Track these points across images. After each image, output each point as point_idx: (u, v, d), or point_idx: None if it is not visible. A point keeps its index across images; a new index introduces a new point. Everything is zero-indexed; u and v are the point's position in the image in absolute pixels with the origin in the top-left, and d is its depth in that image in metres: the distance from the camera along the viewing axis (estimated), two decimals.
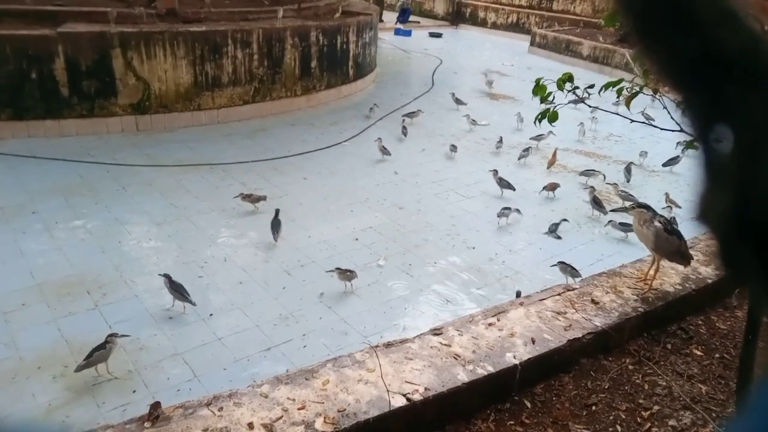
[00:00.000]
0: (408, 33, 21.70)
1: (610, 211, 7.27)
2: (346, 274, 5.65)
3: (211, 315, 5.28)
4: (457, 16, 24.95)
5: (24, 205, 7.01)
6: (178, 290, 5.23)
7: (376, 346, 2.99)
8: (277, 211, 6.68)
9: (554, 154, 9.39)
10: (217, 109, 10.50)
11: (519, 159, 9.56)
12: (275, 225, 6.52)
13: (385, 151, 9.21)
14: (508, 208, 7.38)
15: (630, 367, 3.22)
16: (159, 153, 8.92)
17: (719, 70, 0.51)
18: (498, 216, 7.35)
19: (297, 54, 11.39)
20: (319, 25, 11.79)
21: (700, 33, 0.51)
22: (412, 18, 23.73)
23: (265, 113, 11.08)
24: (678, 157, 9.24)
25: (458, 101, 12.42)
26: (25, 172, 7.91)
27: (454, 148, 9.56)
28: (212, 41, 10.12)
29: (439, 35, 22.14)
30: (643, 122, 3.15)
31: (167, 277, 5.27)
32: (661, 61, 0.55)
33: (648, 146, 10.56)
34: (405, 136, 10.29)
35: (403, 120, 10.80)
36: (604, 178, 8.68)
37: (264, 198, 7.26)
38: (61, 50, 8.89)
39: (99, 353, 4.34)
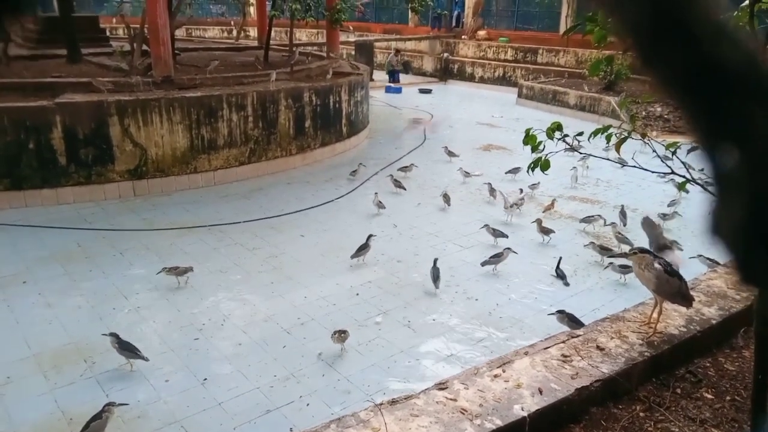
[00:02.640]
0: (398, 90, 22.26)
1: (609, 256, 7.28)
2: (341, 336, 5.48)
3: (205, 380, 5.17)
4: (445, 72, 25.64)
5: (20, 275, 6.97)
6: (127, 348, 5.17)
7: (381, 404, 2.92)
8: (369, 237, 7.52)
9: (553, 203, 9.49)
10: (213, 171, 10.62)
11: (512, 206, 9.44)
12: (362, 248, 7.40)
13: (380, 205, 9.28)
14: (498, 255, 7.36)
15: (641, 414, 3.15)
16: (156, 217, 8.96)
17: (720, 85, 0.52)
18: (483, 264, 7.34)
19: (291, 114, 11.63)
20: (311, 86, 12.10)
21: (698, 48, 0.53)
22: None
23: (261, 173, 11.21)
24: (675, 200, 9.34)
25: (450, 153, 12.60)
26: (22, 241, 7.91)
27: (447, 199, 9.62)
28: (207, 106, 10.34)
29: (428, 91, 22.69)
30: (635, 167, 3.20)
31: (114, 336, 5.20)
32: (664, 78, 0.56)
33: (636, 190, 10.75)
34: (405, 189, 10.33)
35: (391, 176, 10.77)
36: (605, 222, 8.73)
37: (191, 269, 6.83)
38: (59, 120, 9.06)
39: (96, 423, 4.23)
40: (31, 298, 6.46)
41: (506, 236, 8.15)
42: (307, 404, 4.88)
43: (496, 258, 7.33)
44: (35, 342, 5.63)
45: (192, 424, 4.62)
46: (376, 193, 9.48)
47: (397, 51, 24.89)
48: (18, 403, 4.79)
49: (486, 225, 8.29)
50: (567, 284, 7.14)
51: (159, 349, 5.58)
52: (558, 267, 7.27)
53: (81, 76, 10.84)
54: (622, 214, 9.01)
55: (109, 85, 9.93)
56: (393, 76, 23.93)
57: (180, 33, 17.45)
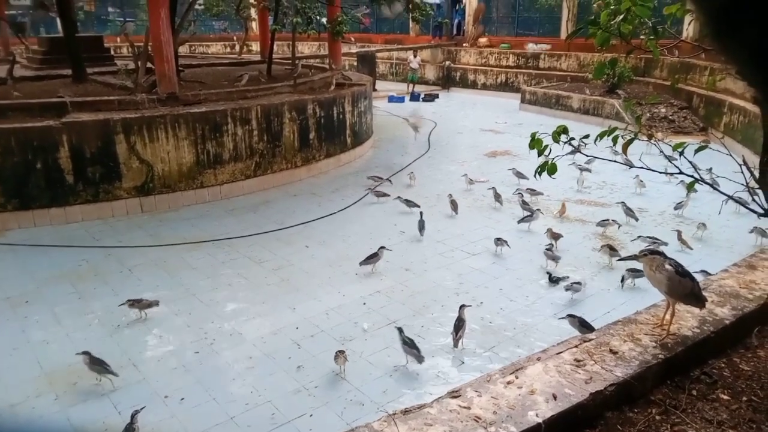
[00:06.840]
0: (401, 99, 22.33)
1: (619, 259, 7.23)
2: (343, 357, 5.36)
3: (216, 394, 5.15)
4: (447, 80, 25.69)
5: (29, 294, 7.00)
6: (99, 364, 5.20)
7: (394, 414, 2.90)
8: (380, 248, 7.57)
9: (563, 206, 9.52)
10: (219, 185, 10.66)
11: (521, 221, 9.16)
12: (372, 257, 7.50)
13: (409, 203, 9.78)
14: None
15: (657, 417, 3.11)
16: (164, 233, 8.99)
17: None
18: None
19: (295, 127, 11.68)
20: (315, 98, 12.15)
21: None
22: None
23: (267, 186, 11.25)
24: (682, 201, 9.34)
25: (455, 163, 12.61)
26: (32, 261, 7.94)
27: (454, 206, 9.61)
28: (212, 121, 10.40)
29: (431, 99, 22.75)
30: (643, 168, 3.19)
31: (87, 354, 5.22)
32: (740, 59, 0.55)
33: (642, 192, 10.72)
34: (418, 206, 10.25)
35: (399, 197, 10.66)
36: (619, 227, 8.74)
37: (156, 303, 6.45)
38: (66, 139, 9.13)
39: None
40: (42, 317, 6.48)
41: (506, 241, 8.12)
42: (311, 415, 4.85)
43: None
44: (47, 361, 5.64)
45: None
46: (399, 197, 9.98)
47: (415, 52, 24.78)
48: (32, 422, 4.79)
49: (497, 238, 8.22)
50: (556, 281, 7.11)
51: (170, 365, 5.58)
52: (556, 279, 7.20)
53: (87, 96, 10.93)
54: (629, 209, 9.05)
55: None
56: (414, 79, 23.91)
57: (183, 50, 17.57)
